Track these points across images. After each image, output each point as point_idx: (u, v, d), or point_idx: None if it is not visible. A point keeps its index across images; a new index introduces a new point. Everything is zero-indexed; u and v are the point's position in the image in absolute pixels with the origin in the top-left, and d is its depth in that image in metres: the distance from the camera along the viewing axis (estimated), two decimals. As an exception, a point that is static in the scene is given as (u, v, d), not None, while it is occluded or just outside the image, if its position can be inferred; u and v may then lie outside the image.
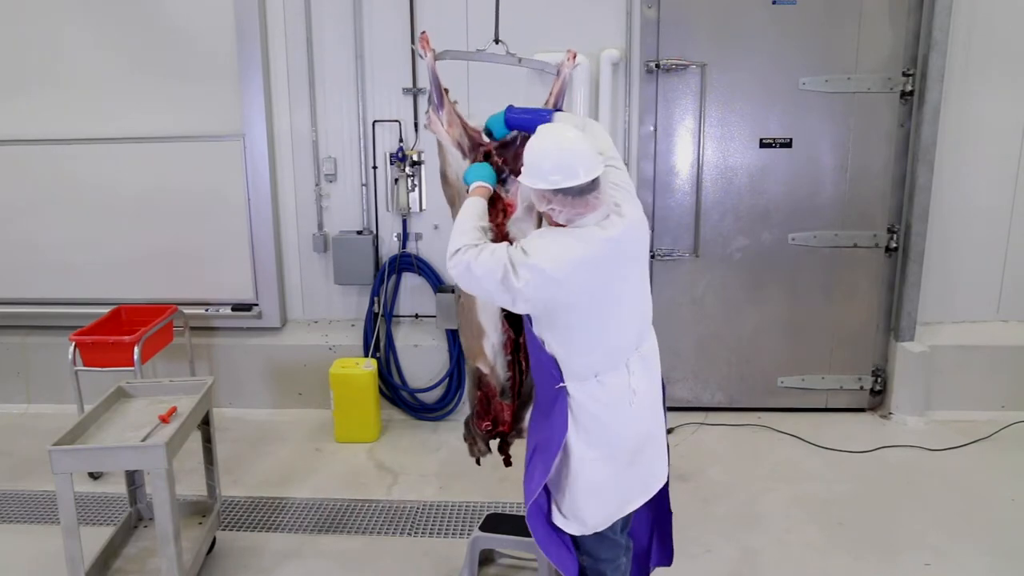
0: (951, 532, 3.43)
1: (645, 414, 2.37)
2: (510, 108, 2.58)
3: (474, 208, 2.36)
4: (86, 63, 4.59)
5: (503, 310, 2.61)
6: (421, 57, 2.77)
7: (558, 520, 2.41)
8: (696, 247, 4.57)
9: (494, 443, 2.91)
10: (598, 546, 2.44)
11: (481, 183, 2.47)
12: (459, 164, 2.64)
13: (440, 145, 2.73)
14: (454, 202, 2.75)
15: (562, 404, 2.28)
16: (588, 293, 2.17)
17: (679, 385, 4.67)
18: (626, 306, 2.29)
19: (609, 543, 2.44)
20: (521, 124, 2.55)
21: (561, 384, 2.27)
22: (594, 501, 2.35)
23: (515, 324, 2.66)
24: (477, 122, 2.70)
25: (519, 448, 2.61)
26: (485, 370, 2.74)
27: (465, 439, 2.93)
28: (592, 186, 2.12)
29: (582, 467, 2.32)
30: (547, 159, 2.13)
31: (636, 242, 2.26)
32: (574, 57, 2.76)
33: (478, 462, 2.96)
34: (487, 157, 2.62)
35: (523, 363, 2.74)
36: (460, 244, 2.22)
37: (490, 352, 2.69)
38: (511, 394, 2.76)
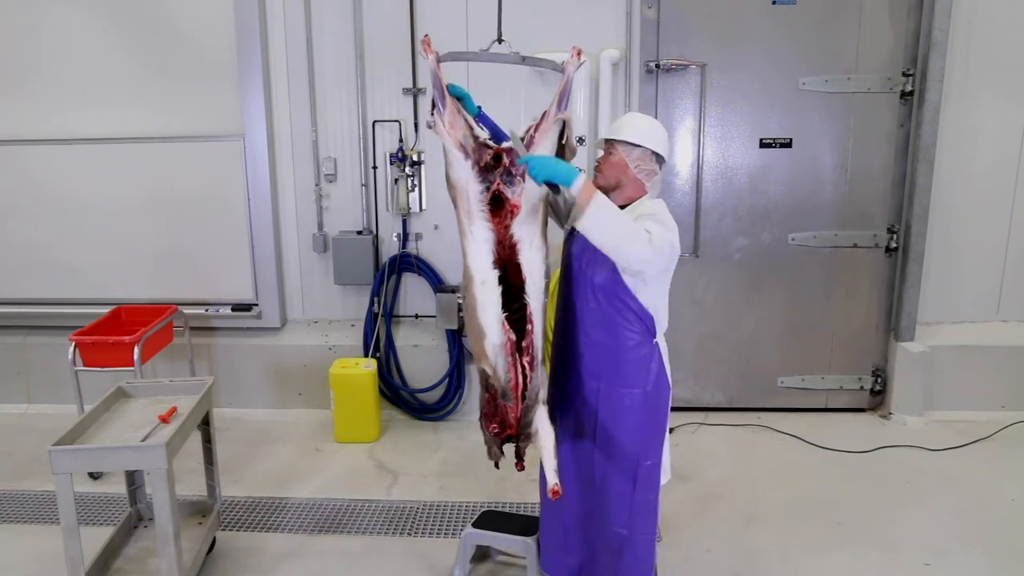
0: (951, 532, 3.43)
1: None
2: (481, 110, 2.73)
3: (609, 204, 2.34)
4: (86, 63, 4.59)
5: (504, 310, 2.59)
6: (425, 58, 2.76)
7: (665, 476, 2.67)
8: (696, 247, 4.56)
9: (509, 446, 2.89)
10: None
11: (581, 175, 2.38)
12: (460, 166, 2.62)
13: (445, 147, 2.72)
14: (458, 203, 2.73)
15: (659, 360, 2.56)
16: None
17: (679, 385, 4.59)
18: None
19: None
20: (488, 125, 2.70)
21: (655, 340, 2.54)
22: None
23: (515, 326, 2.64)
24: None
25: (532, 451, 2.61)
26: (489, 371, 2.72)
27: (484, 441, 2.92)
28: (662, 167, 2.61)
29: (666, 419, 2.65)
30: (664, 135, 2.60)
31: None
32: (579, 54, 2.72)
33: (496, 465, 2.94)
34: (497, 159, 2.60)
35: (526, 366, 2.72)
36: (641, 234, 2.31)
37: (491, 353, 2.68)
38: (512, 396, 2.74)
